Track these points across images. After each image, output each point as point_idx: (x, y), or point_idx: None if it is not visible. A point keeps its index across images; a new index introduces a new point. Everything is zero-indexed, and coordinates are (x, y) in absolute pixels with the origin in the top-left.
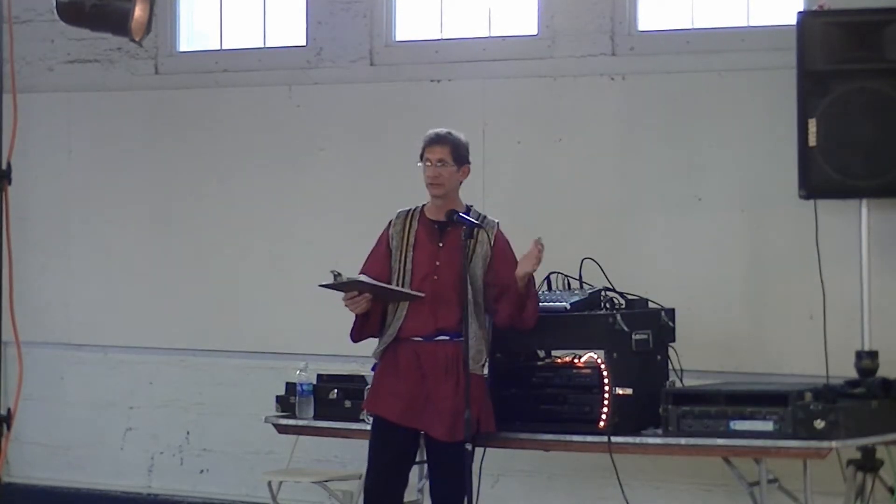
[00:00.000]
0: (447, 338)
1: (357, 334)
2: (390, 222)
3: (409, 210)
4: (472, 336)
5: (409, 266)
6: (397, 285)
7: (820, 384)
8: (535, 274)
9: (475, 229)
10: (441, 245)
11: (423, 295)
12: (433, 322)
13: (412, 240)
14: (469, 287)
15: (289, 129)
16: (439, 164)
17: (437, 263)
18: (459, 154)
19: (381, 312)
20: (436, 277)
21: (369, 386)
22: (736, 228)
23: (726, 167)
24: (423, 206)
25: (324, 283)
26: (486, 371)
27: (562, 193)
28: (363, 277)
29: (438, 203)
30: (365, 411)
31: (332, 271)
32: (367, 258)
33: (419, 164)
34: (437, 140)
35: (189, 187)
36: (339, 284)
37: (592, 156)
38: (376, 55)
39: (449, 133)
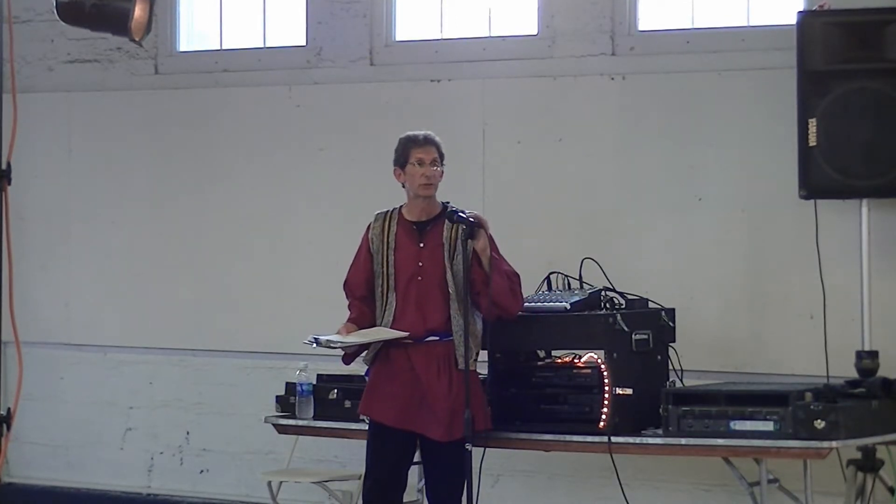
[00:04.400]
0: (437, 338)
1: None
2: (369, 225)
3: (387, 212)
4: (462, 333)
5: (391, 270)
6: (381, 287)
7: (820, 384)
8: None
9: (474, 227)
10: (422, 245)
11: (405, 334)
12: (422, 323)
13: (392, 242)
14: (454, 283)
15: (289, 129)
16: (433, 164)
17: (420, 264)
18: (442, 154)
19: (370, 318)
20: (420, 278)
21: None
22: (736, 228)
23: (726, 167)
24: (401, 207)
25: (308, 340)
26: (477, 367)
27: (562, 193)
28: (340, 339)
29: (423, 203)
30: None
31: (307, 341)
32: (351, 266)
33: (408, 165)
34: (428, 141)
35: (189, 187)
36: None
37: (592, 156)
38: (376, 55)
39: (432, 134)
